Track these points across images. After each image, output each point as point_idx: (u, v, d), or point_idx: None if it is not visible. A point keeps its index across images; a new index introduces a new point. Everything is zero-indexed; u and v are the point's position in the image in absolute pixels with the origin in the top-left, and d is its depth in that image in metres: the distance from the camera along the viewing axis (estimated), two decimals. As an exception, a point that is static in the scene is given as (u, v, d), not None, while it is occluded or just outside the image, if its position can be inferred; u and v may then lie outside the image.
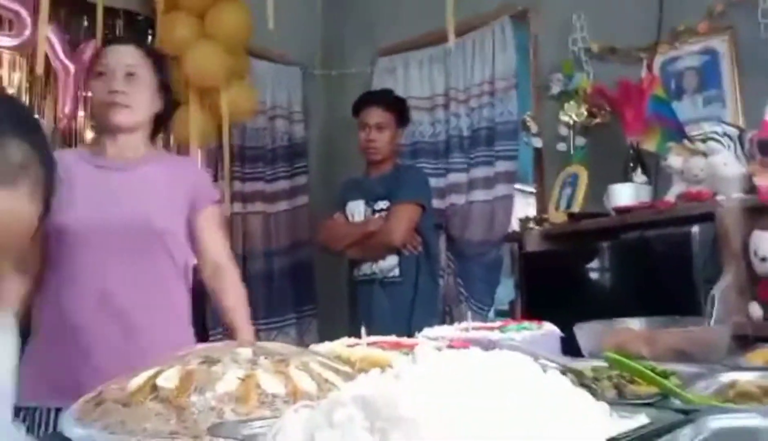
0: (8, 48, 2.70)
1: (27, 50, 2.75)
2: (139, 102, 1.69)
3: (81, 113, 2.92)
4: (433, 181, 3.28)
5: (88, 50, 2.90)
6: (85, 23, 2.95)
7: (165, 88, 1.76)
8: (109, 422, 0.76)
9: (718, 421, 0.70)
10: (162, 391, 0.78)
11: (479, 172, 3.21)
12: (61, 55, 2.81)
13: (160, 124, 1.81)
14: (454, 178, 3.29)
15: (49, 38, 2.77)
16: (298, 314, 3.58)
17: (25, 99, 2.76)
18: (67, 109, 2.84)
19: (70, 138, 2.89)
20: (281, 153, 3.64)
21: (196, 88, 2.98)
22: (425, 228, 2.78)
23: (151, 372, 0.81)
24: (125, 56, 1.70)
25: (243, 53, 3.17)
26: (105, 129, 1.71)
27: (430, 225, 2.85)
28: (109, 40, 2.16)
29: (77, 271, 1.60)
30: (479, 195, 3.19)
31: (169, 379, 0.79)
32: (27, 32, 2.70)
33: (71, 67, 2.83)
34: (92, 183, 1.65)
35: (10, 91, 2.71)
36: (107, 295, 1.58)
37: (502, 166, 3.14)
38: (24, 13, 2.70)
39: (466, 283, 3.20)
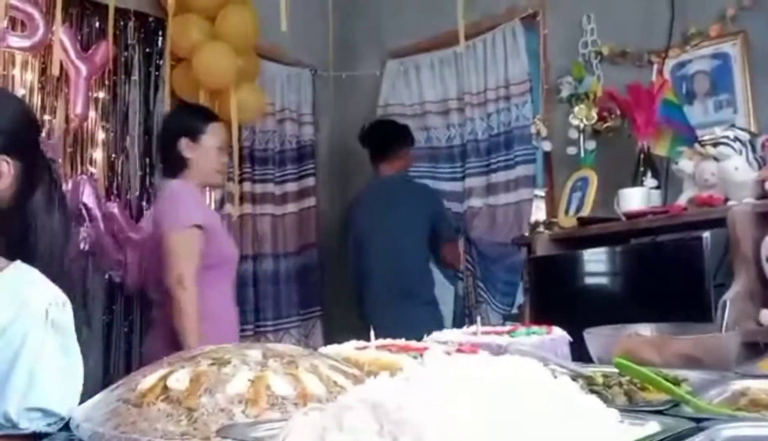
0: (20, 49, 2.72)
1: (39, 51, 2.76)
2: None
3: (92, 114, 2.93)
4: (451, 185, 3.34)
5: (100, 51, 2.92)
6: (97, 24, 2.97)
7: None
8: (120, 422, 0.76)
9: (729, 430, 0.69)
10: (172, 392, 0.78)
11: (499, 177, 3.23)
12: (73, 56, 2.82)
13: None
14: (472, 182, 3.32)
15: (61, 39, 2.79)
16: (304, 316, 3.59)
17: (36, 99, 2.78)
18: (78, 110, 2.85)
19: (81, 139, 2.91)
20: (290, 155, 3.65)
21: (206, 89, 3.00)
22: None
23: (161, 373, 0.82)
24: None
25: (253, 55, 3.18)
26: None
27: None
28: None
29: (229, 288, 2.27)
30: (500, 199, 3.22)
31: (179, 381, 0.79)
32: (39, 33, 2.71)
33: (83, 68, 2.85)
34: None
35: (22, 91, 2.72)
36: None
37: (521, 170, 3.16)
38: (36, 14, 2.71)
39: (486, 285, 3.21)
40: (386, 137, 3.21)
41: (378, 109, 3.65)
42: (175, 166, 2.23)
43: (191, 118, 2.30)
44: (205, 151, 2.23)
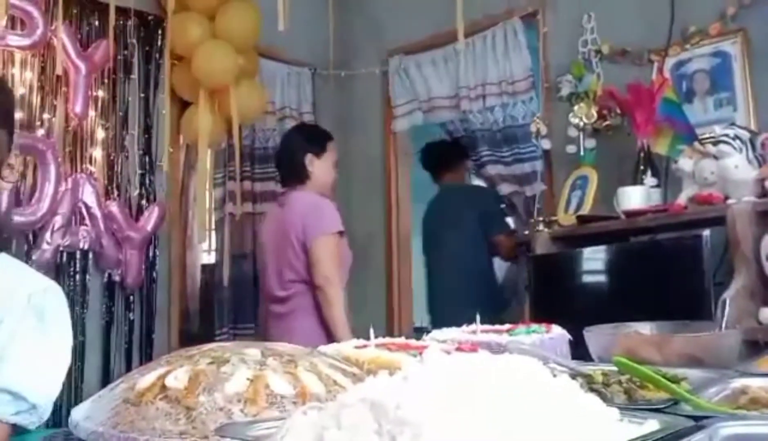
0: (20, 47, 2.71)
1: (38, 50, 2.76)
2: None
3: (92, 113, 2.93)
4: None
5: (99, 50, 2.91)
6: (96, 23, 2.96)
7: None
8: (118, 421, 0.76)
9: (729, 428, 0.69)
10: (171, 391, 0.78)
11: (505, 171, 3.26)
12: (72, 55, 2.82)
13: None
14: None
15: (61, 38, 2.79)
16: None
17: (36, 98, 2.78)
18: (77, 109, 2.85)
19: (81, 138, 2.91)
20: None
21: (206, 88, 2.99)
22: None
23: (160, 371, 0.82)
24: None
25: (253, 53, 3.18)
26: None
27: None
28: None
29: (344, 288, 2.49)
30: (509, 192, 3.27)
31: (178, 379, 0.79)
32: (38, 32, 2.71)
33: (82, 67, 2.84)
34: None
35: (22, 90, 2.72)
36: None
37: (526, 167, 3.18)
38: (35, 12, 2.71)
39: None
40: (445, 155, 3.54)
41: (385, 106, 3.67)
42: (298, 177, 2.52)
43: (316, 136, 2.63)
44: (326, 166, 2.55)
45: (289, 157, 2.55)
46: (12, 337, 0.95)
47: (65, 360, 1.01)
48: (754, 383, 0.91)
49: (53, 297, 1.02)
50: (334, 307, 2.34)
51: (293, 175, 2.53)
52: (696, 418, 0.71)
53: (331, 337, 2.27)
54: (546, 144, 3.03)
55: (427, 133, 3.71)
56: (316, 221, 2.39)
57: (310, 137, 2.61)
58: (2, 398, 0.93)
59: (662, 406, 0.80)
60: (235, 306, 3.34)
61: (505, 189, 3.26)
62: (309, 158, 2.51)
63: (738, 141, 2.17)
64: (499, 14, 3.24)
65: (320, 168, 2.53)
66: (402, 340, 1.21)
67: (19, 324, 0.96)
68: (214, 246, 3.47)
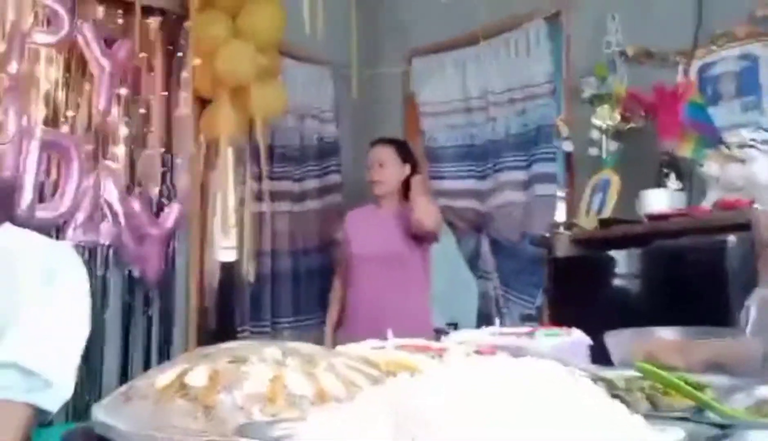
0: (46, 45, 2.75)
1: (64, 47, 2.79)
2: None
3: (114, 110, 2.96)
4: (472, 183, 3.38)
5: (123, 47, 2.94)
6: (121, 21, 2.99)
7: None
8: (137, 418, 0.76)
9: (756, 436, 0.68)
10: (190, 389, 0.78)
11: (519, 175, 3.21)
12: (97, 53, 2.85)
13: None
14: (492, 181, 3.32)
15: (85, 36, 2.82)
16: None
17: (60, 95, 2.81)
18: (101, 106, 2.88)
19: (104, 135, 2.93)
20: (311, 152, 3.65)
21: (227, 86, 3.01)
22: None
23: (179, 369, 0.82)
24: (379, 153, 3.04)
25: (275, 52, 3.19)
26: None
27: None
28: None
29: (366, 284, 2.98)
30: (519, 196, 3.20)
31: (197, 378, 0.79)
32: (64, 29, 2.75)
33: (106, 65, 2.87)
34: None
35: (47, 86, 2.76)
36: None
37: (541, 167, 3.13)
38: (61, 10, 2.75)
39: (508, 284, 3.21)
40: None
41: (407, 106, 3.68)
42: None
43: None
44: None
45: None
46: (14, 306, 0.81)
47: (81, 328, 0.87)
48: (781, 392, 0.89)
49: (64, 256, 0.91)
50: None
51: None
52: (722, 427, 0.69)
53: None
54: (568, 146, 3.01)
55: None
56: None
57: None
58: (10, 375, 0.79)
59: (687, 413, 0.78)
60: (254, 304, 3.35)
61: (521, 192, 3.22)
62: None
63: (765, 145, 2.13)
64: (522, 15, 3.22)
65: None
66: (421, 341, 1.20)
67: (23, 292, 0.83)
68: (233, 244, 3.49)
